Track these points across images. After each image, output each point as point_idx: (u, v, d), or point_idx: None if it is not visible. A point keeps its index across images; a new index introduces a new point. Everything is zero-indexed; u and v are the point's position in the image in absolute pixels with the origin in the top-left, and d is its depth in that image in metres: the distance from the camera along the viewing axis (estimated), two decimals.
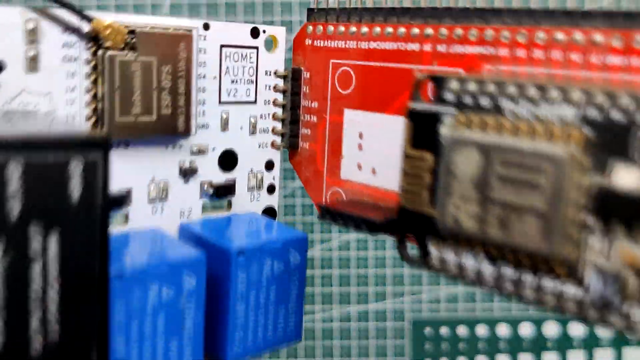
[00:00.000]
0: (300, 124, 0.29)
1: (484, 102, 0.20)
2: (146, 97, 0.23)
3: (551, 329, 0.65)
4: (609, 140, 0.17)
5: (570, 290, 0.18)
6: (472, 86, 0.20)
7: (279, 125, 0.28)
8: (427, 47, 0.24)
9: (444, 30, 0.24)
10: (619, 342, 0.65)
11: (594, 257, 0.18)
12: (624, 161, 0.17)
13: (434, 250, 0.21)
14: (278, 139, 0.28)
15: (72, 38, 0.22)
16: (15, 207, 0.17)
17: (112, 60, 0.22)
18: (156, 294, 0.22)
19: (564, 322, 0.65)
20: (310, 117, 0.28)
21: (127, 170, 0.24)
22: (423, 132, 0.21)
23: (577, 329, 0.65)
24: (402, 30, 0.25)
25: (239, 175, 0.28)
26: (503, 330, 0.65)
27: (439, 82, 0.21)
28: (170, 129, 0.24)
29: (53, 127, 0.20)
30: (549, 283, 0.19)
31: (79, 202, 0.19)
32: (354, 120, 0.27)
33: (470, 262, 0.20)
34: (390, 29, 0.25)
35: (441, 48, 0.24)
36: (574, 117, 0.18)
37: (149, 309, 0.21)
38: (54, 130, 0.18)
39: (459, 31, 0.23)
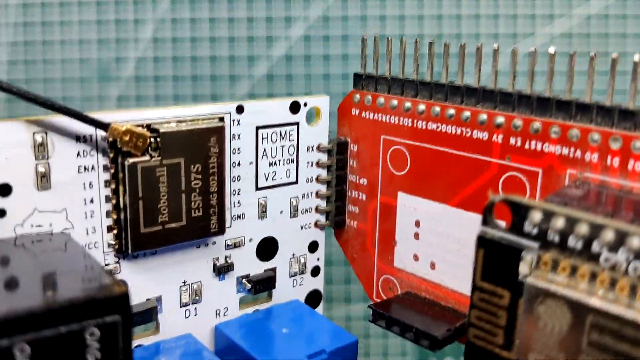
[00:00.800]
0: (346, 200, 0.26)
1: (574, 243, 0.16)
2: (174, 202, 0.21)
3: None
4: None
5: None
6: (559, 223, 0.16)
7: (322, 204, 0.25)
8: (498, 138, 0.21)
9: (518, 122, 0.20)
10: None
11: None
12: None
13: None
14: (322, 218, 0.25)
15: (87, 147, 0.19)
16: None
17: (133, 168, 0.20)
18: None
19: None
20: (359, 195, 0.25)
21: (155, 279, 0.22)
22: (498, 265, 0.18)
23: None
24: (466, 114, 0.21)
25: (280, 262, 0.25)
26: None
27: (518, 210, 0.17)
28: (202, 231, 0.21)
29: (65, 274, 0.17)
30: None
31: None
32: (410, 206, 0.24)
33: None
34: (452, 111, 0.22)
35: (515, 141, 0.20)
36: None
37: None
38: (63, 295, 0.16)
39: (537, 125, 0.20)
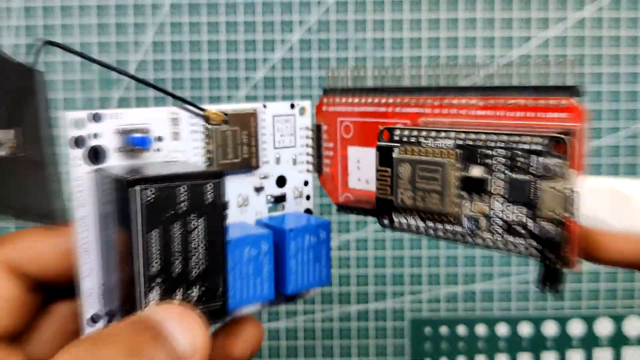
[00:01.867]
0: (323, 157, 0.47)
1: (413, 140, 0.38)
2: (234, 149, 0.42)
3: (550, 328, 0.65)
4: (468, 155, 0.35)
5: (458, 228, 0.36)
6: (406, 132, 0.38)
7: (310, 159, 0.47)
8: (390, 109, 0.43)
9: (398, 100, 0.42)
10: (618, 342, 0.65)
11: (467, 211, 0.36)
12: (475, 164, 0.35)
13: (396, 219, 0.39)
14: (311, 167, 0.47)
15: (195, 120, 0.41)
16: (183, 207, 0.36)
17: (216, 131, 0.41)
18: (248, 251, 0.41)
19: (563, 322, 0.65)
20: (329, 152, 0.47)
21: (226, 190, 0.43)
22: (385, 157, 0.39)
23: (576, 328, 0.65)
24: (376, 100, 0.43)
25: (288, 190, 0.46)
26: (502, 329, 0.64)
27: (391, 131, 0.39)
28: (248, 165, 0.43)
29: (191, 168, 0.39)
30: (449, 227, 0.36)
31: (211, 202, 0.37)
32: (355, 153, 0.45)
33: (414, 222, 0.38)
34: (370, 99, 0.44)
35: (397, 109, 0.42)
36: (453, 145, 0.36)
37: (244, 260, 0.40)
38: (196, 169, 0.37)
39: (406, 100, 0.42)
